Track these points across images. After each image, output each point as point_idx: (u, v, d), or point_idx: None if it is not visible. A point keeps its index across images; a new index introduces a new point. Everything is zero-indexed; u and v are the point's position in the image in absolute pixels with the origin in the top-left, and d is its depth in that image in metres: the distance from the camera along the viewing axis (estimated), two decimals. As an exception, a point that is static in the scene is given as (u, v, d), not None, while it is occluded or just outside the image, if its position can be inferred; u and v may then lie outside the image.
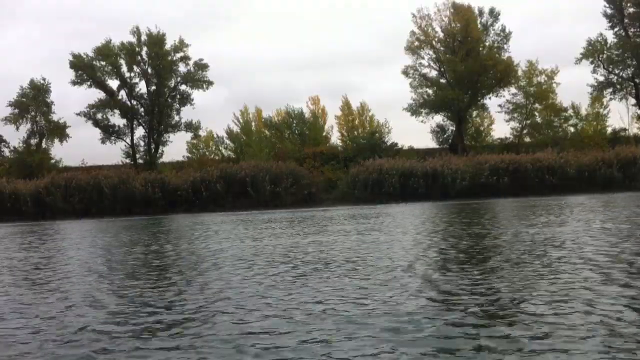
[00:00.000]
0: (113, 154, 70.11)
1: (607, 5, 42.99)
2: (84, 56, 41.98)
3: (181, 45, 42.94)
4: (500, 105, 44.63)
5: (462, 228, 11.63)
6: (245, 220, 19.41)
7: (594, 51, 43.12)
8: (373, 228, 12.63)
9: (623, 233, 8.63)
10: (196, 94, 44.39)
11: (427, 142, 52.43)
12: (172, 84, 43.80)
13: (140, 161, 43.43)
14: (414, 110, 43.86)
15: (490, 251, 7.61)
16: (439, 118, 45.06)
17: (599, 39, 43.25)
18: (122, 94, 43.60)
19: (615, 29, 43.27)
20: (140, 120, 44.15)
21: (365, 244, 9.45)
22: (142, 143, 44.21)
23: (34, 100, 43.78)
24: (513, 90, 44.23)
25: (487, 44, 43.31)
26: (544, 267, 5.95)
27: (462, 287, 5.07)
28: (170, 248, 10.56)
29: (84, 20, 73.00)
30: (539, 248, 7.60)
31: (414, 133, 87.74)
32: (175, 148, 72.64)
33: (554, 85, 44.15)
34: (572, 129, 45.24)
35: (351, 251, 8.43)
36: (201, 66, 43.22)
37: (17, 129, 43.74)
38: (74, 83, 42.26)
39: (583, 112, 45.08)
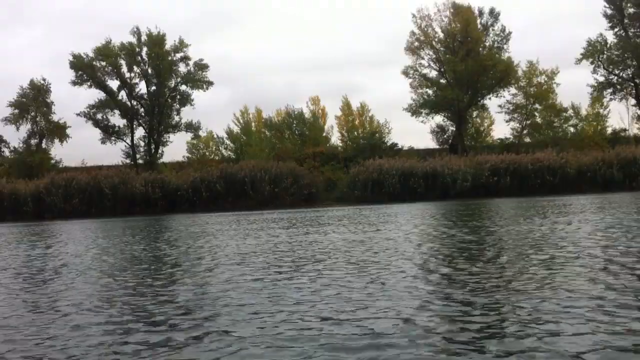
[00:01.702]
0: (113, 154, 70.45)
1: (607, 6, 43.06)
2: (84, 56, 42.03)
3: (181, 46, 43.02)
4: (500, 106, 44.80)
5: (436, 229, 11.63)
6: (235, 220, 19.42)
7: (594, 52, 43.17)
8: (350, 229, 12.67)
9: (588, 236, 8.57)
10: (199, 95, 44.51)
11: (427, 142, 52.60)
12: (172, 84, 43.88)
13: (140, 161, 43.47)
14: (414, 110, 43.90)
15: (443, 253, 7.61)
16: (439, 118, 45.23)
17: (599, 39, 43.35)
18: (122, 94, 43.73)
19: (615, 30, 43.34)
20: (140, 121, 44.20)
21: (333, 243, 9.58)
22: (142, 143, 44.33)
23: (34, 101, 43.85)
24: (513, 90, 44.40)
25: (487, 44, 43.35)
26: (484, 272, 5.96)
27: (388, 291, 5.10)
28: (143, 249, 10.62)
29: (92, 23, 73.25)
30: (494, 250, 7.64)
31: (414, 133, 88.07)
32: (176, 148, 72.98)
33: (554, 85, 44.26)
34: (572, 129, 45.33)
35: (317, 250, 8.53)
36: (201, 66, 43.28)
37: (18, 129, 43.97)
38: (74, 83, 42.38)
39: (583, 112, 45.24)
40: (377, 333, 3.67)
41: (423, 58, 43.95)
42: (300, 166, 35.97)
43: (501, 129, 77.88)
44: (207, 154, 46.40)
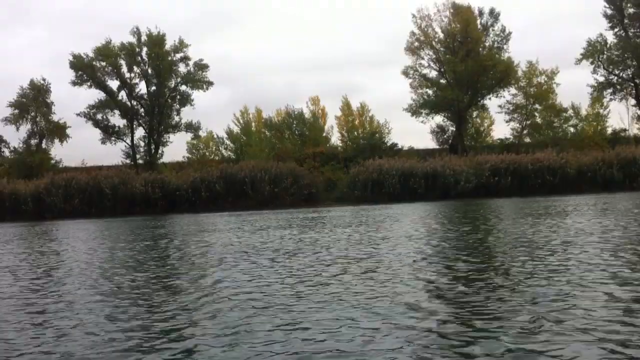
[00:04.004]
0: (113, 154, 70.44)
1: (607, 6, 43.02)
2: (84, 56, 41.99)
3: (181, 46, 42.96)
4: (500, 106, 44.74)
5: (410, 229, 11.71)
6: (222, 220, 19.43)
7: (594, 52, 43.13)
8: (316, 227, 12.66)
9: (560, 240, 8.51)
10: (199, 95, 44.41)
11: (427, 142, 52.59)
12: (172, 85, 43.83)
13: (140, 161, 43.43)
14: (414, 110, 43.85)
15: (384, 254, 7.67)
16: (439, 118, 45.16)
17: (599, 39, 43.31)
18: (122, 95, 43.67)
19: (615, 30, 43.29)
20: (140, 121, 44.16)
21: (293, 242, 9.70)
22: (142, 143, 44.28)
23: (34, 101, 43.81)
24: (513, 90, 44.32)
25: (487, 44, 43.29)
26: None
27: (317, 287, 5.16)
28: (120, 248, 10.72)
29: (92, 23, 73.33)
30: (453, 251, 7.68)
31: (414, 133, 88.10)
32: (176, 148, 72.96)
33: (554, 85, 44.21)
34: (572, 130, 45.28)
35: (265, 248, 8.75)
36: (201, 66, 43.23)
37: (17, 129, 43.89)
38: (74, 83, 42.31)
39: (583, 112, 45.18)
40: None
41: (423, 58, 43.95)
42: (300, 166, 35.92)
43: (501, 129, 77.94)
44: (207, 154, 46.37)
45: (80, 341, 3.85)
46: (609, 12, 43.07)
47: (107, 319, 4.48)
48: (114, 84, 43.29)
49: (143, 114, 44.15)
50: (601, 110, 45.06)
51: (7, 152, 45.75)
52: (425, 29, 43.34)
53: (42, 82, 44.52)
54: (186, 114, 50.33)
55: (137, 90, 43.87)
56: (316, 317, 4.15)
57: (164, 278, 6.58)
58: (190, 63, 43.34)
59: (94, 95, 43.48)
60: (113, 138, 43.64)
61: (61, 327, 4.28)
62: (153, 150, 43.69)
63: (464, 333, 3.57)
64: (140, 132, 44.34)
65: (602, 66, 43.60)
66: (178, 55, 43.15)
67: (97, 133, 43.53)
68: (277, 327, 3.91)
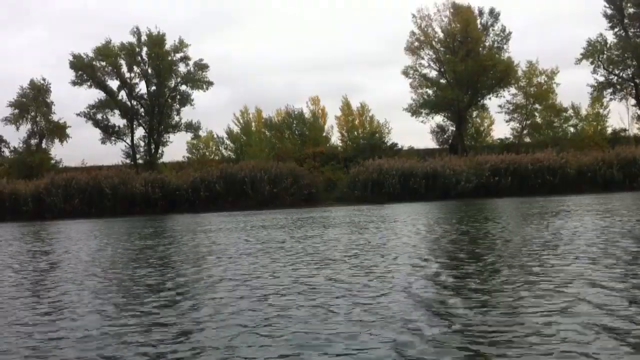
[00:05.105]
0: (113, 154, 70.49)
1: (607, 6, 42.99)
2: (84, 56, 41.97)
3: (181, 46, 42.94)
4: (500, 106, 44.72)
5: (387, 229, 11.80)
6: (214, 221, 19.44)
7: (594, 51, 43.10)
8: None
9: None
10: (199, 95, 44.36)
11: (427, 142, 52.60)
12: (172, 84, 43.80)
13: (140, 161, 43.41)
14: (414, 110, 43.84)
15: (349, 253, 7.75)
16: (439, 118, 45.15)
17: (599, 39, 43.28)
18: (122, 94, 43.64)
19: (615, 30, 43.26)
20: (140, 121, 44.14)
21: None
22: (142, 143, 44.25)
23: (34, 101, 43.80)
24: (513, 90, 44.30)
25: (487, 44, 43.27)
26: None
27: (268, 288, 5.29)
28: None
29: (92, 23, 73.44)
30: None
31: (414, 133, 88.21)
32: (176, 148, 73.03)
33: (554, 85, 44.20)
34: (572, 129, 45.25)
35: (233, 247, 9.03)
36: (201, 66, 43.21)
37: (17, 129, 43.89)
38: (74, 83, 42.26)
39: (583, 112, 45.16)
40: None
41: (423, 58, 43.94)
42: (300, 166, 35.87)
43: (501, 129, 77.99)
44: (207, 154, 46.36)
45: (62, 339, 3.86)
46: (609, 12, 43.05)
47: (90, 318, 4.49)
48: (114, 83, 43.34)
49: (143, 113, 44.13)
50: (601, 110, 45.08)
51: (7, 152, 45.82)
52: (425, 29, 43.34)
53: (42, 82, 44.57)
54: (186, 114, 50.41)
55: (137, 90, 43.89)
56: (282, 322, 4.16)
57: (146, 276, 6.59)
58: (190, 63, 43.37)
59: (94, 95, 43.54)
60: (113, 138, 43.62)
61: (48, 330, 4.28)
62: (153, 150, 43.68)
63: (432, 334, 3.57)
64: (140, 132, 44.40)
65: (602, 66, 43.58)
66: (178, 55, 43.15)
67: (97, 133, 43.59)
68: (256, 327, 3.92)
